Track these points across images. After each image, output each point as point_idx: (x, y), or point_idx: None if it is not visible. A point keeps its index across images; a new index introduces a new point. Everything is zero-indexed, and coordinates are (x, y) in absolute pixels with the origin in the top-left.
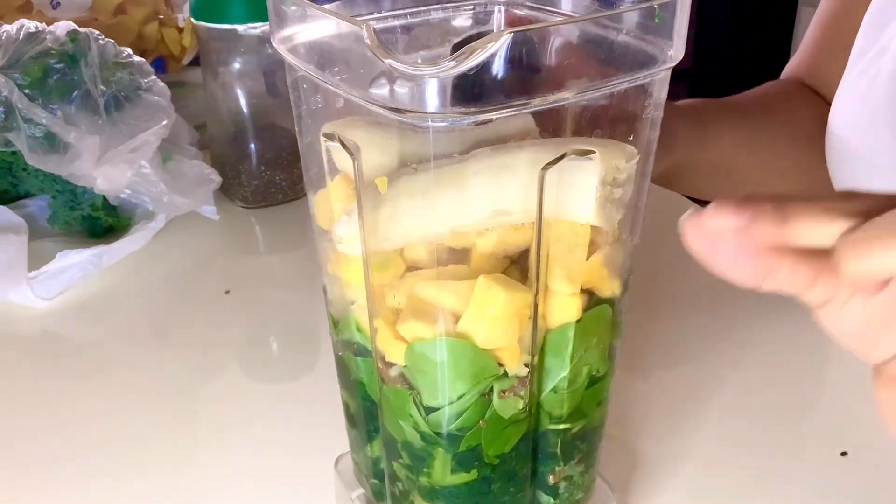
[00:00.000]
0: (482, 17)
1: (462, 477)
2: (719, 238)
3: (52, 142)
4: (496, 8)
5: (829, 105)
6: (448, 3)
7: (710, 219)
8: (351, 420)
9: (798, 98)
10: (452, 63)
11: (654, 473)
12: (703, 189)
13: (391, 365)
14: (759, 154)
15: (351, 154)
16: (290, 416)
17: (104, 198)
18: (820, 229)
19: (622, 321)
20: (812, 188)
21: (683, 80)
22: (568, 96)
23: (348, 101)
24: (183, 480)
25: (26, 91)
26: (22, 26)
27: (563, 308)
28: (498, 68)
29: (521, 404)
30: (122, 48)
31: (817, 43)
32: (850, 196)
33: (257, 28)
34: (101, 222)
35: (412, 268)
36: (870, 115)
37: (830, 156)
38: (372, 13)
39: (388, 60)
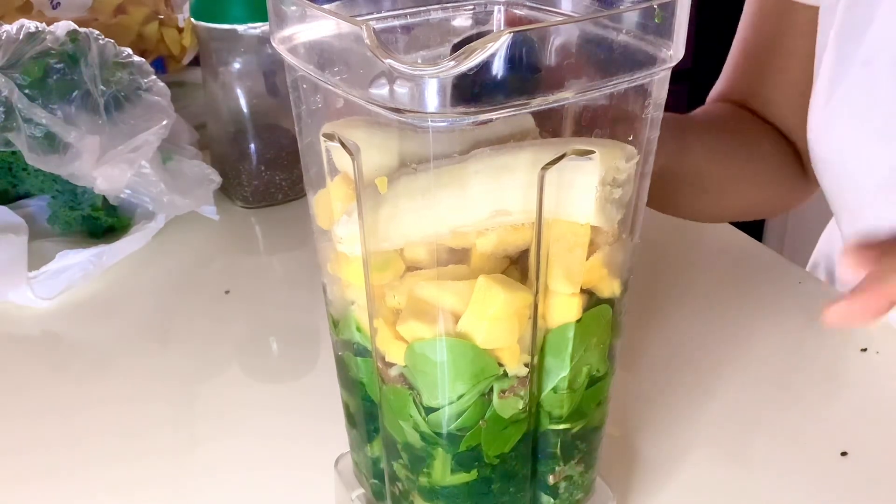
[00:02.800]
0: (482, 17)
1: (462, 477)
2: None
3: (52, 142)
4: (496, 8)
5: (771, 124)
6: (448, 3)
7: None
8: (351, 420)
9: (742, 118)
10: (452, 63)
11: (654, 473)
12: (681, 201)
13: (391, 365)
14: (727, 166)
15: (351, 154)
16: (289, 416)
17: (104, 198)
18: None
19: (622, 321)
20: (775, 198)
21: (683, 80)
22: (568, 96)
23: (348, 101)
24: (182, 480)
25: (26, 91)
26: (22, 26)
27: (563, 308)
28: (498, 68)
29: (521, 404)
30: (122, 48)
31: (745, 68)
32: None
33: (257, 28)
34: (101, 222)
35: (412, 268)
36: (876, 127)
37: (828, 182)
38: (372, 13)
39: (388, 60)
